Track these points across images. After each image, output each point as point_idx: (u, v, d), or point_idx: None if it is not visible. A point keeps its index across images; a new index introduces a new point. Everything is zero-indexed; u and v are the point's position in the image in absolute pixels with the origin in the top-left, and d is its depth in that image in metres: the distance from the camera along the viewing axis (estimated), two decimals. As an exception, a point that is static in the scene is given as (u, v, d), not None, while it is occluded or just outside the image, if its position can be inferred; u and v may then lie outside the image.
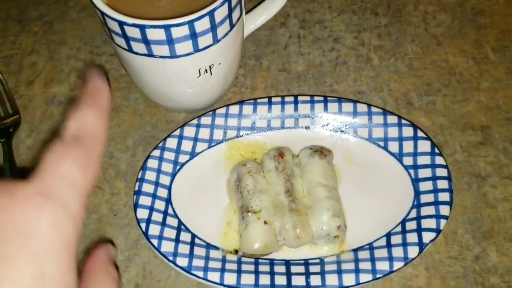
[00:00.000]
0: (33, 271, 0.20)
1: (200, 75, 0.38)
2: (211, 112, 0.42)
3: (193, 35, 0.34)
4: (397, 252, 0.35)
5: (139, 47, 0.34)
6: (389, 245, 0.36)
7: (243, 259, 0.36)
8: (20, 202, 0.21)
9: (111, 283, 0.26)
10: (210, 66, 0.38)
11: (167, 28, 0.32)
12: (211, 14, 0.33)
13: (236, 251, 0.37)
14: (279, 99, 0.43)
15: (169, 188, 0.39)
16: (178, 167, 0.40)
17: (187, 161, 0.41)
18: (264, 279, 0.35)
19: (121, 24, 0.33)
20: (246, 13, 0.44)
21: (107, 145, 0.25)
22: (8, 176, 0.40)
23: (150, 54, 0.35)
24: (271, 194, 0.37)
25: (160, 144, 0.41)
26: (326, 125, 0.42)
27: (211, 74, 0.39)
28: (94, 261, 0.26)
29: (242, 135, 0.42)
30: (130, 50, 0.35)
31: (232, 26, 0.36)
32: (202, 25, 0.33)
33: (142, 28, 0.32)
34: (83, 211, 0.22)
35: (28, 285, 0.20)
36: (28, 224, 0.20)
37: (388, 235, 0.37)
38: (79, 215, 0.22)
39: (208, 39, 0.35)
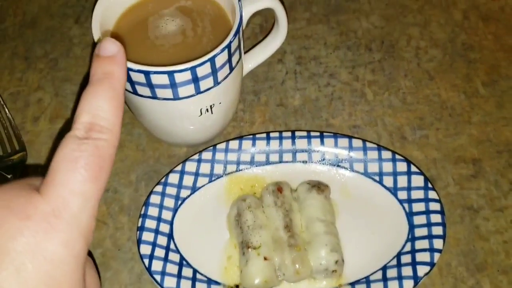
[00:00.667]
0: None
1: (201, 114, 0.40)
2: (211, 147, 0.44)
3: (195, 79, 0.35)
4: (393, 285, 0.36)
5: (144, 90, 0.36)
6: (385, 279, 0.37)
7: (244, 294, 0.37)
8: (36, 224, 0.22)
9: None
10: (211, 106, 0.39)
11: (170, 73, 0.34)
12: (212, 60, 0.35)
13: (237, 286, 0.38)
14: (277, 134, 0.44)
15: (171, 223, 0.41)
16: (179, 202, 0.42)
17: (189, 196, 0.42)
18: (265, 314, 0.36)
19: (127, 70, 0.34)
20: (245, 52, 0.45)
21: (119, 135, 0.26)
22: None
23: (154, 97, 0.37)
24: (271, 229, 0.39)
25: (163, 180, 0.42)
26: (323, 160, 0.43)
27: (212, 113, 0.40)
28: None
29: (241, 169, 0.43)
30: (134, 92, 0.37)
31: (231, 69, 0.38)
32: (204, 70, 0.35)
33: (146, 73, 0.34)
34: (93, 224, 0.24)
35: None
36: (44, 247, 0.22)
37: (384, 269, 0.38)
38: (90, 231, 0.24)
39: (209, 82, 0.37)
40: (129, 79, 0.35)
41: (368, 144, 0.43)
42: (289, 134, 0.44)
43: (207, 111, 0.40)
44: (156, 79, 0.35)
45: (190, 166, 0.43)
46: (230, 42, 0.36)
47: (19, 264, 0.21)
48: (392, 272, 0.37)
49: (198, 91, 0.37)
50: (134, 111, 0.42)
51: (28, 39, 0.55)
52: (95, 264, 0.31)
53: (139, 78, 0.35)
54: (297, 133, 0.44)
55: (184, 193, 0.42)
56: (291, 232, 0.38)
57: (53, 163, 0.23)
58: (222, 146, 0.44)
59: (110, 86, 0.26)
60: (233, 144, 0.44)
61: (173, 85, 0.35)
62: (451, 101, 0.48)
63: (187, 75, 0.35)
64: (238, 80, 0.41)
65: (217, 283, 0.38)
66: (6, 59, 0.54)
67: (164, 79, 0.35)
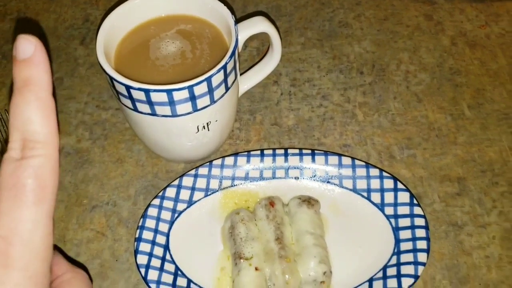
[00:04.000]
0: None
1: (198, 131, 0.42)
2: (208, 163, 0.46)
3: (192, 98, 0.38)
4: (379, 296, 0.38)
5: (144, 107, 0.38)
6: (371, 290, 0.38)
7: (235, 302, 0.39)
8: None
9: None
10: (207, 123, 0.41)
11: (169, 92, 0.36)
12: (208, 80, 0.37)
13: (229, 295, 0.39)
14: (270, 151, 0.46)
15: (167, 235, 0.42)
16: (176, 215, 0.43)
17: (185, 209, 0.44)
18: (255, 322, 0.37)
19: (128, 87, 0.37)
20: (241, 74, 0.48)
21: (57, 143, 0.24)
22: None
23: (153, 114, 0.39)
24: (262, 241, 0.40)
25: (160, 193, 0.44)
26: (314, 176, 0.45)
27: (208, 130, 0.42)
28: None
29: (236, 185, 0.45)
30: (135, 109, 0.39)
31: (227, 89, 0.40)
32: (200, 89, 0.37)
33: (147, 91, 0.36)
34: (50, 241, 0.24)
35: None
36: None
37: (370, 281, 0.39)
38: (46, 249, 0.24)
39: (205, 101, 0.39)
40: (129, 96, 0.38)
41: (357, 162, 0.45)
42: (282, 151, 0.46)
43: (204, 128, 0.42)
44: (155, 96, 0.37)
45: (187, 181, 0.45)
46: (226, 63, 0.38)
47: None
48: (378, 284, 0.39)
49: (195, 109, 0.39)
50: (134, 127, 0.44)
51: (35, 59, 0.58)
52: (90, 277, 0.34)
53: (140, 95, 0.37)
54: (290, 151, 0.46)
55: (180, 206, 0.44)
56: (281, 244, 0.40)
57: None
58: (218, 162, 0.46)
59: (33, 95, 0.23)
60: (229, 160, 0.46)
61: (171, 102, 0.38)
62: (438, 122, 0.51)
63: (185, 94, 0.37)
64: (233, 99, 0.43)
65: (210, 292, 0.39)
66: (14, 77, 0.56)
67: (163, 97, 0.37)
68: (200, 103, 0.39)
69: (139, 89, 0.36)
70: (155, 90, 0.36)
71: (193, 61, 0.42)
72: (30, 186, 0.23)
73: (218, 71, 0.37)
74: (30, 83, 0.23)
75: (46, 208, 0.23)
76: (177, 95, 0.37)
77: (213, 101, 0.39)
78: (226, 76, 0.39)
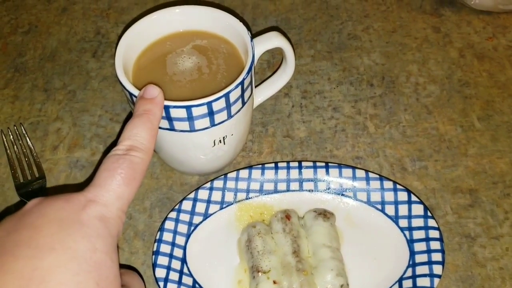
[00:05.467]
0: (88, 245, 0.27)
1: (214, 145, 0.42)
2: (222, 176, 0.46)
3: (211, 113, 0.38)
4: (395, 309, 0.38)
5: (162, 123, 0.39)
6: (388, 303, 0.39)
7: (254, 316, 0.39)
8: (76, 205, 0.29)
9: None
10: (224, 137, 0.42)
11: (188, 108, 0.37)
12: (226, 95, 0.38)
13: (247, 309, 0.40)
14: (284, 164, 0.47)
15: (184, 248, 0.43)
16: (192, 228, 0.44)
17: (201, 222, 0.44)
18: (274, 335, 0.37)
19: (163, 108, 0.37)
20: (255, 87, 0.48)
21: (151, 157, 0.33)
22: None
23: (171, 129, 0.39)
24: (279, 255, 0.41)
25: (176, 207, 0.44)
26: (328, 189, 0.46)
27: (224, 144, 0.43)
28: None
29: (251, 197, 0.46)
30: (153, 124, 0.39)
31: (244, 103, 0.41)
32: (219, 105, 0.38)
33: (166, 108, 0.37)
34: (123, 216, 0.31)
35: (84, 254, 0.27)
36: (82, 219, 0.28)
37: (387, 293, 0.40)
38: (119, 218, 0.30)
39: (223, 116, 0.39)
40: (149, 112, 0.38)
41: (371, 175, 0.45)
42: (296, 164, 0.47)
43: (220, 142, 0.42)
44: (174, 112, 0.37)
45: (202, 194, 0.45)
46: (244, 79, 0.38)
47: (64, 226, 0.28)
48: (394, 297, 0.39)
49: (213, 124, 0.40)
50: (151, 141, 0.44)
51: (48, 72, 0.59)
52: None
53: (159, 111, 0.37)
54: (304, 163, 0.47)
55: (196, 219, 0.44)
56: (299, 257, 0.40)
57: (97, 172, 0.31)
58: (232, 175, 0.46)
59: (148, 120, 0.34)
60: (243, 173, 0.46)
61: (190, 118, 0.38)
62: (449, 134, 0.51)
63: (204, 109, 0.38)
64: (249, 113, 0.44)
65: (228, 305, 0.40)
66: (27, 90, 0.57)
67: (182, 113, 0.37)
68: (218, 118, 0.39)
69: (159, 105, 0.37)
70: (174, 107, 0.37)
71: (209, 76, 0.42)
72: (125, 172, 0.30)
73: (236, 87, 0.38)
74: (149, 113, 0.34)
75: (129, 193, 0.31)
76: (196, 111, 0.37)
77: (230, 116, 0.40)
78: (243, 91, 0.39)
